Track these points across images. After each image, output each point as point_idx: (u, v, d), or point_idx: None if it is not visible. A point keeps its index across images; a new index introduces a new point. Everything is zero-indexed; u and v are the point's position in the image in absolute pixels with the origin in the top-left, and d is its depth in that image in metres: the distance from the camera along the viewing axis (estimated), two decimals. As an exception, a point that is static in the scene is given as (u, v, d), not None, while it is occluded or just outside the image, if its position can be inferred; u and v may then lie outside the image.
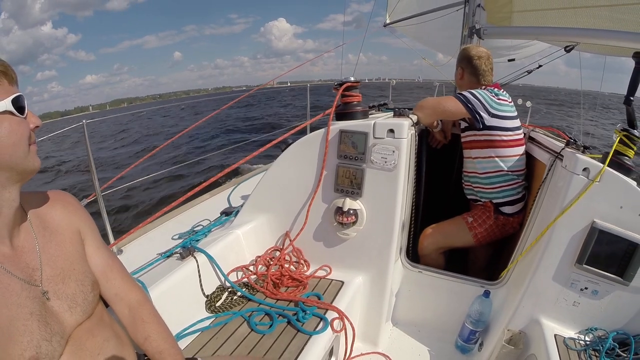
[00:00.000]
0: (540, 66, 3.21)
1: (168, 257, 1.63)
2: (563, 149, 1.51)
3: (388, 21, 6.15)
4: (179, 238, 1.96)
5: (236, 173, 3.28)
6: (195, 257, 1.54)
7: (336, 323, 1.40)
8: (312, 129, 1.81)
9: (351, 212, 1.58)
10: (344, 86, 1.63)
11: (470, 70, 1.92)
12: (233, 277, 1.66)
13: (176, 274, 1.46)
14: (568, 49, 2.74)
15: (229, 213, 2.02)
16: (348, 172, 1.59)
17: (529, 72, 3.16)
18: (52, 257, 0.80)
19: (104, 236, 2.05)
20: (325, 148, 1.60)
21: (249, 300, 1.54)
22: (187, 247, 1.62)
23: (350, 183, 1.59)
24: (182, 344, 1.33)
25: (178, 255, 1.58)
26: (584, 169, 1.33)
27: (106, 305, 0.94)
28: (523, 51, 4.36)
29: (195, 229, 2.01)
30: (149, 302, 0.98)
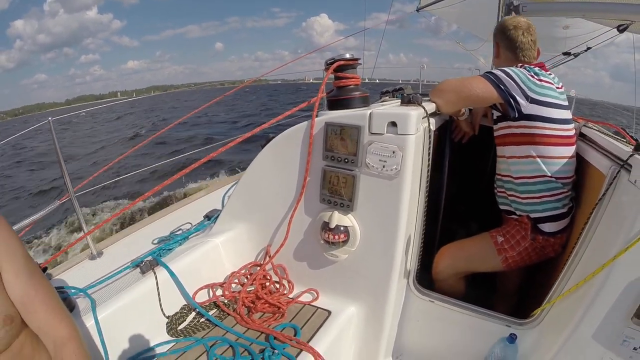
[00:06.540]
0: (589, 48, 2.66)
1: (136, 266, 1.44)
2: (632, 155, 1.09)
3: (421, 4, 5.60)
4: (158, 242, 1.78)
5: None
6: (155, 273, 1.32)
7: None
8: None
9: (341, 229, 1.25)
10: (335, 65, 1.28)
11: (505, 43, 1.51)
12: (203, 296, 1.42)
13: (134, 290, 1.28)
14: (621, 29, 2.21)
15: (211, 216, 1.79)
16: (337, 178, 1.26)
17: (576, 55, 2.62)
18: None
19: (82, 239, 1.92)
20: (308, 146, 1.29)
21: (216, 325, 1.30)
22: (151, 259, 1.40)
23: (339, 192, 1.26)
24: (135, 371, 1.13)
25: (139, 268, 1.38)
26: None
27: None
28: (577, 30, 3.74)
29: (175, 234, 1.81)
30: (75, 339, 0.83)
